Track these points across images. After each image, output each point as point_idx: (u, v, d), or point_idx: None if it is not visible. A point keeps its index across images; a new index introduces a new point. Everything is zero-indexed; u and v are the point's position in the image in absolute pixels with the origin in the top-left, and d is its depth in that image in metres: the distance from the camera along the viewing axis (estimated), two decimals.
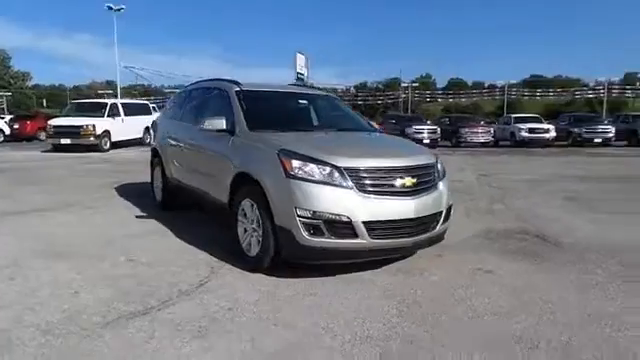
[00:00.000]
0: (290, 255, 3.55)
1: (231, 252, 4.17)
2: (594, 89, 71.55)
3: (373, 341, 2.59)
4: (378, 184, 3.50)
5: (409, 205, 3.55)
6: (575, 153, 17.84)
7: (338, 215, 3.35)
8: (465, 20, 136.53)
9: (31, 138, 23.55)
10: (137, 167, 11.43)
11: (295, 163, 3.49)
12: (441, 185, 3.94)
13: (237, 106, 4.47)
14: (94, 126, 16.10)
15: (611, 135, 21.09)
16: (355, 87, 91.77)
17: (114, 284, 3.47)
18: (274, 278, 3.61)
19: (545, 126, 21.99)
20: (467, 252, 4.40)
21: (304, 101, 5.18)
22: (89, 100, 22.81)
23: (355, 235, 3.38)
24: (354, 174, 3.45)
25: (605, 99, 60.54)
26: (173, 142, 5.66)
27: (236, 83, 4.89)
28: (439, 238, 4.00)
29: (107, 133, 16.81)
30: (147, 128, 20.19)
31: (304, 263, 3.62)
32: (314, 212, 3.35)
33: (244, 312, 3.00)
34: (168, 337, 2.64)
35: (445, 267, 3.95)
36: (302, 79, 38.04)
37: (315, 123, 4.97)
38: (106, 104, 17.90)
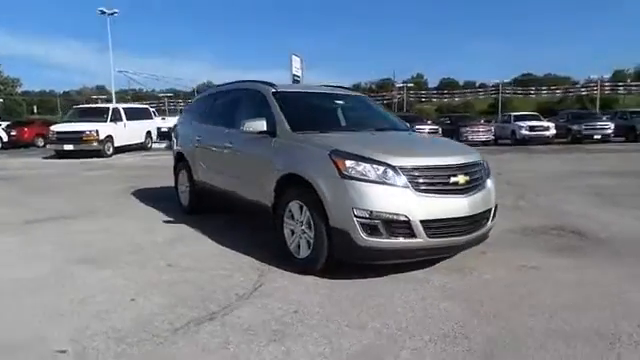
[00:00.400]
0: (346, 256, 3.52)
1: (274, 254, 4.15)
2: (586, 86, 72.20)
3: (455, 340, 2.57)
4: (433, 182, 3.48)
5: (463, 203, 3.54)
6: (577, 150, 17.98)
7: (396, 214, 3.33)
8: (456, 18, 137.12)
9: (28, 145, 23.29)
10: (145, 172, 11.37)
11: (348, 163, 3.47)
12: (489, 183, 3.94)
13: (276, 107, 4.44)
14: (97, 131, 15.94)
15: (610, 131, 21.30)
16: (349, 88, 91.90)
17: (168, 290, 3.42)
18: (326, 280, 3.58)
19: (545, 124, 22.15)
20: (507, 249, 4.40)
21: (340, 101, 5.16)
22: (91, 105, 22.63)
23: (412, 234, 3.36)
24: (409, 173, 3.43)
25: (598, 96, 61.16)
26: (203, 145, 5.61)
27: (271, 85, 4.86)
28: (485, 236, 3.99)
29: (110, 138, 16.65)
30: (149, 132, 20.08)
31: (358, 264, 3.59)
32: (372, 212, 3.33)
33: (311, 315, 2.97)
34: (244, 342, 2.60)
35: (493, 265, 3.94)
36: (298, 81, 38.09)
37: (354, 123, 4.93)
38: (108, 109, 17.73)
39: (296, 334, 2.70)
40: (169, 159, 7.44)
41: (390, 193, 3.36)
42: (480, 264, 3.94)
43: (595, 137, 21.28)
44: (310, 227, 3.67)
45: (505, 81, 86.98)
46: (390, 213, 3.33)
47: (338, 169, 3.47)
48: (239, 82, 5.49)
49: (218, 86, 6.12)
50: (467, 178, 3.63)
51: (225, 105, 5.46)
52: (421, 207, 3.37)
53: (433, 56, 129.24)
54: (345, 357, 2.44)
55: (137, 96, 76.50)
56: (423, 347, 2.50)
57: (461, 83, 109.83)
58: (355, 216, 3.34)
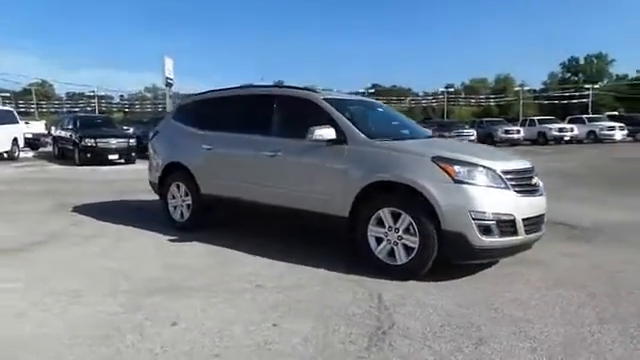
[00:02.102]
0: (460, 257, 3.69)
1: (349, 264, 4.11)
2: (434, 97, 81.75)
3: (604, 324, 2.92)
4: (522, 184, 3.85)
5: (541, 201, 3.99)
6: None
7: (506, 214, 3.61)
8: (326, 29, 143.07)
9: None
10: (47, 186, 9.74)
11: (457, 168, 3.64)
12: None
13: (338, 115, 4.35)
14: None
15: (473, 138, 24.89)
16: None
17: (299, 312, 3.16)
18: (433, 283, 3.67)
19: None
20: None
21: (380, 109, 5.23)
22: None
23: (516, 232, 3.67)
24: (508, 176, 3.74)
25: (445, 107, 70.03)
26: (217, 155, 5.15)
27: (312, 90, 4.74)
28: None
29: None
30: (15, 140, 17.08)
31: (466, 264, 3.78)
32: (487, 213, 3.55)
33: (499, 318, 3.04)
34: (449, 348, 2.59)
35: (549, 254, 4.39)
36: (171, 84, 35.96)
37: (405, 129, 5.06)
38: None
39: (506, 334, 2.78)
40: (58, 170, 6.62)
41: (499, 195, 3.63)
42: (540, 256, 4.35)
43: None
44: (411, 233, 3.73)
45: (360, 91, 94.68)
46: (501, 214, 3.59)
47: (449, 174, 3.61)
48: (260, 87, 5.22)
49: (223, 90, 5.64)
50: (537, 179, 4.09)
51: (251, 112, 5.09)
52: (520, 206, 3.71)
53: (295, 65, 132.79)
54: (555, 345, 2.61)
55: None
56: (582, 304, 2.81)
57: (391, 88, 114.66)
58: (473, 218, 3.52)
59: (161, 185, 5.83)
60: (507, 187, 3.68)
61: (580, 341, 2.70)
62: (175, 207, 5.67)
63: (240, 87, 5.50)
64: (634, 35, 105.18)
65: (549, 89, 77.91)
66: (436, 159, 3.72)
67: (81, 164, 15.01)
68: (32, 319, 3.03)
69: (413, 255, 3.74)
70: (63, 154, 17.05)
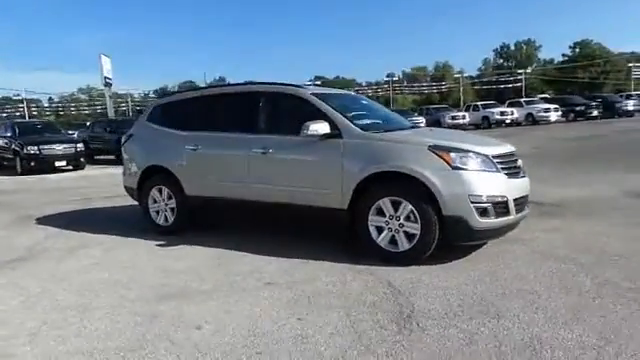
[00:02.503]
0: (460, 240, 3.90)
1: (351, 255, 4.24)
2: (379, 86, 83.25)
3: (600, 289, 3.25)
4: (510, 167, 4.11)
5: (526, 182, 4.29)
6: None
7: (500, 196, 3.85)
8: (253, 19, 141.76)
9: None
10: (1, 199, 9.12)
11: (453, 155, 3.83)
12: None
13: (329, 109, 4.42)
14: None
15: (424, 124, 25.66)
16: (156, 92, 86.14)
17: (319, 305, 3.24)
18: (434, 266, 3.85)
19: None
20: None
21: (364, 101, 5.33)
22: None
23: (508, 212, 3.92)
24: (496, 160, 3.98)
25: (391, 96, 71.56)
26: (203, 155, 5.07)
27: (298, 86, 4.78)
28: None
29: None
30: None
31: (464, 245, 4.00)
32: (484, 197, 3.77)
33: (507, 294, 3.25)
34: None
35: (531, 232, 4.70)
36: (110, 84, 34.29)
37: (391, 120, 5.18)
38: None
39: (509, 309, 2.99)
40: (2, 181, 6.30)
41: (493, 178, 3.87)
42: (517, 234, 4.65)
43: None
44: (411, 220, 3.89)
45: (307, 83, 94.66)
46: (496, 196, 3.83)
47: (446, 162, 3.80)
48: (245, 84, 5.18)
49: (202, 89, 5.53)
50: (520, 162, 4.38)
51: (236, 110, 5.03)
52: (510, 188, 3.97)
53: (240, 58, 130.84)
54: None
55: None
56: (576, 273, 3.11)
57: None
58: (471, 202, 3.73)
59: (140, 190, 5.65)
60: (498, 170, 3.93)
61: (585, 306, 2.97)
62: (158, 212, 5.53)
63: (222, 85, 5.42)
64: (558, 20, 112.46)
65: (484, 75, 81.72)
66: (433, 148, 3.89)
67: (24, 173, 14.12)
68: (49, 337, 2.90)
69: (415, 241, 3.90)
70: (1, 165, 15.93)
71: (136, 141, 5.84)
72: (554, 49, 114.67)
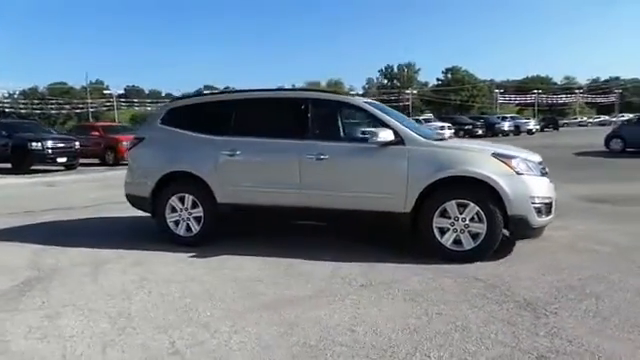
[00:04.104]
0: (520, 236, 4.37)
1: (408, 254, 4.48)
2: None
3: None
4: (544, 172, 4.70)
5: (553, 186, 4.92)
6: None
7: (548, 197, 4.40)
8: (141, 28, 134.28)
9: None
10: None
11: (514, 162, 4.30)
12: None
13: (389, 118, 4.63)
14: None
15: None
16: (23, 94, 76.00)
17: (432, 301, 3.42)
18: (492, 262, 4.25)
19: None
20: None
21: (395, 112, 5.54)
22: None
23: (550, 212, 4.49)
24: (540, 165, 4.54)
25: None
26: (247, 161, 4.89)
27: (347, 94, 4.89)
28: None
29: None
30: None
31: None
32: (540, 198, 4.29)
33: (583, 279, 3.75)
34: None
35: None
36: None
37: (428, 131, 5.47)
38: None
39: (600, 291, 3.47)
40: None
41: (542, 181, 4.42)
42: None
43: None
44: (476, 220, 4.25)
45: (189, 92, 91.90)
46: (546, 197, 4.38)
47: (510, 167, 4.25)
48: (282, 90, 5.12)
49: (235, 93, 5.28)
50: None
51: (282, 115, 4.95)
52: (551, 190, 4.55)
53: (117, 63, 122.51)
54: None
55: None
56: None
57: (147, 91, 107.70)
58: (532, 203, 4.22)
59: (156, 198, 5.20)
60: (543, 175, 4.49)
61: None
62: (177, 221, 5.14)
63: (263, 90, 5.26)
64: (434, 46, 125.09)
65: (368, 93, 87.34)
66: (495, 155, 4.32)
67: None
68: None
69: (480, 240, 4.26)
70: None
71: (150, 145, 5.35)
72: (430, 73, 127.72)
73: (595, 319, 3.02)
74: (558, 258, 4.35)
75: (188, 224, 5.12)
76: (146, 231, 5.74)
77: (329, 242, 5.12)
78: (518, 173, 4.25)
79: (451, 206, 4.31)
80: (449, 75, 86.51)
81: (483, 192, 4.24)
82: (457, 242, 4.33)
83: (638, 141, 13.12)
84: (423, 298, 3.46)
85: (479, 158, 4.36)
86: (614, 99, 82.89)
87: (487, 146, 4.66)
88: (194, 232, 5.11)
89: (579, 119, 70.22)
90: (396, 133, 4.48)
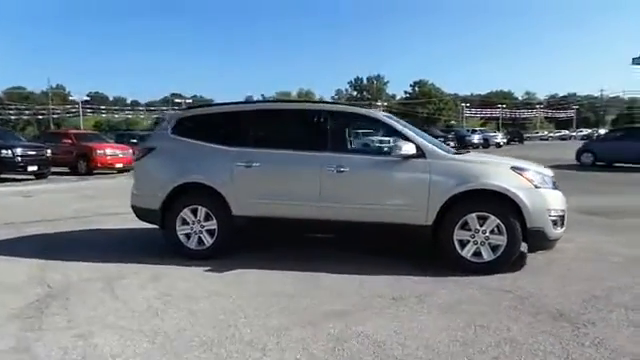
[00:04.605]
0: (538, 248, 4.51)
1: (425, 266, 4.53)
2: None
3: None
4: (556, 186, 4.86)
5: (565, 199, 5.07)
6: None
7: (562, 210, 4.55)
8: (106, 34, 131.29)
9: None
10: None
11: (530, 175, 4.44)
12: None
13: (409, 131, 4.69)
14: None
15: None
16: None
17: (472, 312, 3.46)
18: (510, 274, 4.36)
19: None
20: None
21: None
22: None
23: (564, 224, 4.65)
24: (553, 179, 4.70)
25: None
26: (265, 173, 4.83)
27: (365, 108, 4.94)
28: None
29: None
30: None
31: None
32: (556, 210, 4.43)
33: (610, 283, 4.01)
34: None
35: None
36: None
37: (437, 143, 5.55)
38: None
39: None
40: None
41: (557, 195, 4.57)
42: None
43: None
44: (496, 232, 4.35)
45: (155, 100, 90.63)
46: (560, 210, 4.53)
47: (529, 180, 4.38)
48: (300, 102, 5.09)
49: (254, 103, 5.21)
50: None
51: (301, 127, 4.95)
52: (564, 203, 4.71)
53: (79, 69, 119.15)
54: None
55: None
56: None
57: (111, 98, 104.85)
58: (550, 216, 4.36)
59: (166, 211, 5.05)
60: (556, 188, 4.65)
61: None
62: (188, 234, 5.01)
63: (280, 101, 5.22)
64: (403, 60, 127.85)
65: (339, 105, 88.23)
66: (514, 168, 4.44)
67: None
68: None
69: (500, 252, 4.36)
70: None
71: (161, 156, 5.20)
72: (399, 86, 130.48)
73: (629, 329, 3.13)
74: (573, 269, 4.51)
75: (200, 237, 5.00)
76: (147, 244, 5.65)
77: (343, 255, 5.11)
78: (536, 187, 4.39)
79: (472, 219, 4.39)
80: (416, 88, 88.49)
81: (503, 205, 4.34)
82: (477, 254, 4.41)
83: (607, 155, 13.84)
84: (459, 310, 3.50)
85: (499, 172, 4.47)
86: (572, 114, 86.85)
87: (504, 160, 4.79)
88: (207, 245, 4.99)
89: (540, 133, 73.18)
90: (417, 147, 4.54)
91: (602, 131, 41.30)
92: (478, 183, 4.40)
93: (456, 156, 4.66)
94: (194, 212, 4.99)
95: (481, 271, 4.34)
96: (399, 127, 4.75)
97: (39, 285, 4.19)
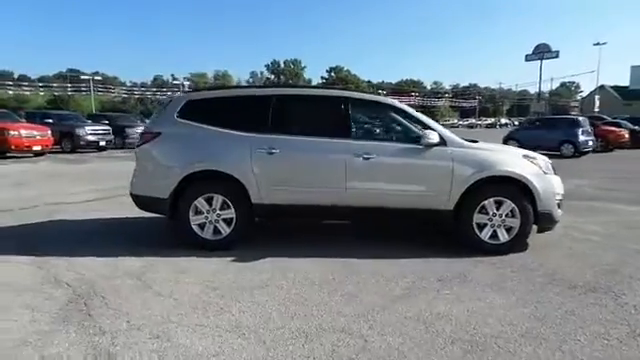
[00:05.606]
0: (545, 229, 4.92)
1: (445, 249, 4.78)
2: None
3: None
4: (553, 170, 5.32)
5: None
6: None
7: (561, 194, 5.04)
8: None
9: None
10: None
11: (540, 162, 4.85)
12: None
13: (430, 120, 4.85)
14: None
15: None
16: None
17: (523, 292, 3.76)
18: (520, 254, 4.79)
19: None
20: None
21: None
22: None
23: (560, 206, 5.15)
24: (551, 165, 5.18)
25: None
26: (288, 160, 4.71)
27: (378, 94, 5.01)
28: None
29: None
30: None
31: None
32: (559, 194, 4.90)
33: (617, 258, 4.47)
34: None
35: None
36: None
37: None
38: None
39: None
40: None
41: (558, 179, 5.03)
42: None
43: None
44: (510, 215, 4.72)
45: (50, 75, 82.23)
46: (561, 193, 5.00)
47: (538, 167, 4.79)
48: (321, 88, 4.98)
49: (272, 86, 4.96)
50: None
51: (325, 114, 4.85)
52: (562, 187, 5.19)
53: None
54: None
55: None
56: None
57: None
58: (556, 199, 4.82)
59: (178, 200, 4.74)
60: (556, 173, 5.12)
61: None
62: (202, 224, 4.77)
63: (299, 86, 5.05)
64: (320, 45, 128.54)
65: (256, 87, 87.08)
66: (525, 156, 4.82)
67: None
68: None
69: (514, 234, 4.73)
70: None
71: (169, 142, 4.81)
72: (316, 71, 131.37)
73: None
74: (573, 247, 5.02)
75: (216, 226, 4.77)
76: (132, 234, 5.38)
77: (361, 241, 5.20)
78: (545, 172, 4.81)
79: (489, 203, 4.70)
80: (333, 74, 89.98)
81: (518, 190, 4.70)
82: (493, 236, 4.75)
83: (531, 143, 15.26)
84: (506, 288, 3.77)
85: (514, 159, 4.82)
86: (475, 104, 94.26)
87: (512, 149, 5.16)
88: (224, 235, 4.78)
89: (450, 121, 78.40)
90: (440, 135, 4.73)
91: (503, 120, 45.32)
92: (497, 170, 4.70)
93: (473, 144, 4.92)
94: (209, 201, 4.74)
95: (497, 251, 4.68)
96: (421, 117, 4.90)
97: (56, 286, 3.75)
